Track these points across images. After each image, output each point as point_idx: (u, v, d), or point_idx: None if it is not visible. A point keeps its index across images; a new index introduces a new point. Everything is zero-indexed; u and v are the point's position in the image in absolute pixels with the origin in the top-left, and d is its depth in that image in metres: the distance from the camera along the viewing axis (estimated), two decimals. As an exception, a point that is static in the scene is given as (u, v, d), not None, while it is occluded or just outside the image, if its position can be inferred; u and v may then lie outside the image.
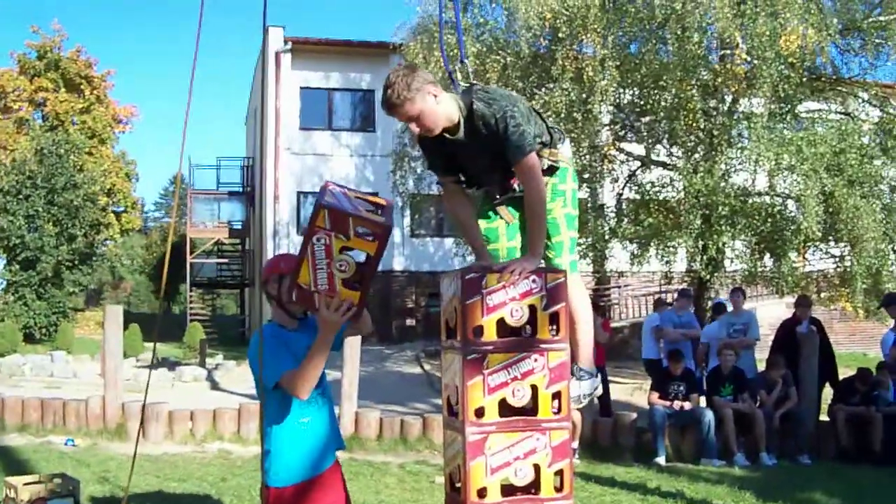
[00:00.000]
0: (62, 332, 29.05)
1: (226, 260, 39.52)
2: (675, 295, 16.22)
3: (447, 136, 4.08)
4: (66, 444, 11.21)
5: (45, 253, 30.22)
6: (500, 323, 3.89)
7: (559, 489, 3.94)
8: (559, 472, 3.95)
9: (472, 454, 3.82)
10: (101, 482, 8.93)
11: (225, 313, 54.10)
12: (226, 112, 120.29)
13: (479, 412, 3.85)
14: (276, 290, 4.37)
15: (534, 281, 3.92)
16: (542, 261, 4.18)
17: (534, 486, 3.92)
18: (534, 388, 3.91)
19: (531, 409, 3.93)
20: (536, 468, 3.91)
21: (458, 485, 3.96)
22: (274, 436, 4.31)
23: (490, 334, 3.86)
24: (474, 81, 4.24)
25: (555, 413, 3.93)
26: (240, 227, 37.65)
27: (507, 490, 3.89)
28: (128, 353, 19.02)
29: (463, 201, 4.40)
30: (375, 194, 4.20)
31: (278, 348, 4.22)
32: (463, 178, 4.37)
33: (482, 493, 3.83)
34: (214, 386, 18.87)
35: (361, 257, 3.84)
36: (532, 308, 3.92)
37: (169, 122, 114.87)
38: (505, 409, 3.90)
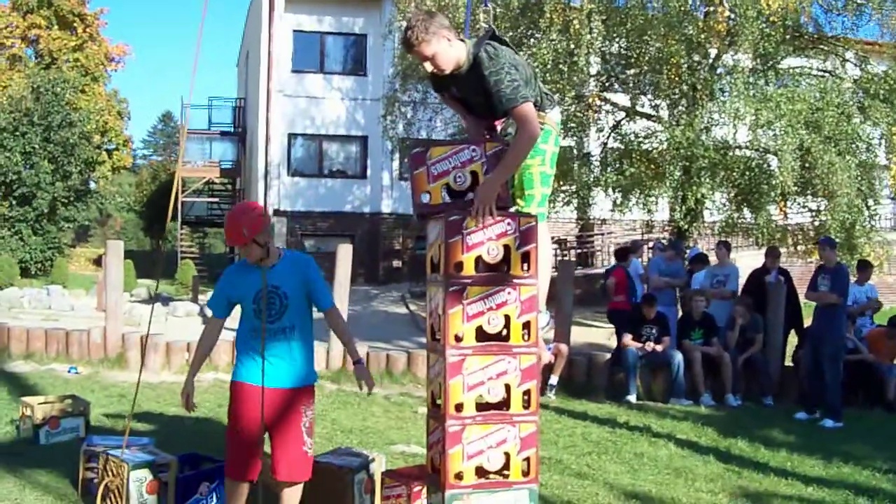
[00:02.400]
0: (57, 267, 29.52)
1: (216, 199, 39.85)
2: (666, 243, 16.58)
3: (453, 71, 4.67)
4: (69, 371, 11.75)
5: (42, 189, 30.52)
6: (479, 260, 4.43)
7: (527, 406, 4.49)
8: (527, 392, 4.49)
9: (451, 374, 4.37)
10: (105, 406, 9.51)
11: (213, 251, 54.52)
12: (218, 53, 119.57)
13: (459, 337, 4.39)
14: (263, 240, 5.23)
15: (508, 224, 4.45)
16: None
17: (504, 404, 4.45)
18: (507, 317, 4.45)
19: (504, 336, 4.47)
20: (507, 388, 4.45)
21: (439, 401, 4.52)
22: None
23: (469, 269, 4.41)
24: (494, 26, 4.84)
25: (524, 340, 4.48)
26: (230, 166, 37.94)
27: (482, 406, 4.43)
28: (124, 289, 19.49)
29: (461, 108, 5.02)
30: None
31: (224, 288, 5.44)
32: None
33: (459, 407, 4.38)
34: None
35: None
36: (506, 248, 4.46)
37: (158, 61, 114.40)
38: (481, 335, 4.45)
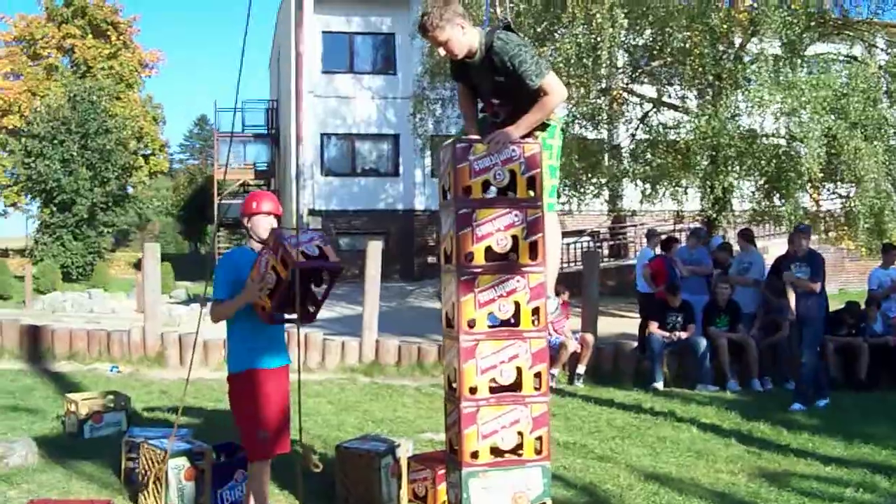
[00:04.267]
0: (98, 271, 30.03)
1: (252, 201, 40.14)
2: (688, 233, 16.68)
3: (466, 59, 4.96)
4: (110, 370, 12.12)
5: (80, 195, 31.00)
6: (488, 250, 4.65)
7: (538, 388, 4.69)
8: (538, 374, 4.69)
9: (465, 358, 4.59)
10: (145, 402, 9.85)
11: (251, 253, 54.87)
12: (251, 55, 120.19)
13: (471, 323, 4.61)
14: (247, 222, 5.60)
15: (516, 215, 4.67)
16: None
17: (517, 385, 4.66)
18: (516, 303, 4.66)
19: (514, 322, 4.70)
20: (518, 370, 4.66)
21: (454, 385, 4.73)
22: (228, 336, 5.55)
23: (479, 259, 4.63)
24: (510, 20, 5.11)
25: (534, 325, 4.69)
26: (265, 168, 38.33)
27: (495, 389, 4.65)
28: (161, 290, 19.84)
29: (470, 100, 5.32)
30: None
31: (226, 274, 5.50)
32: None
33: (473, 390, 4.59)
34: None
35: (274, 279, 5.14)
36: (515, 238, 4.67)
37: (192, 65, 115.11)
38: (493, 320, 4.69)
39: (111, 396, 8.55)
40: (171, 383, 11.27)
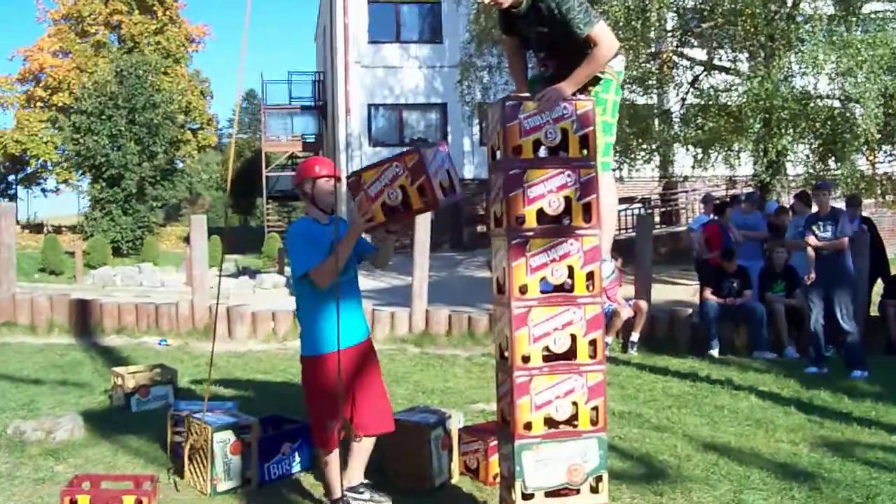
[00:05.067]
0: (147, 246, 30.22)
1: (300, 173, 40.29)
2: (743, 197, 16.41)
3: (512, 9, 4.76)
4: (159, 343, 12.07)
5: (129, 170, 31.19)
6: (540, 212, 4.46)
7: (593, 356, 4.52)
8: (593, 342, 4.52)
9: (517, 325, 4.42)
10: (194, 374, 9.77)
11: (301, 225, 54.99)
12: (296, 28, 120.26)
13: (523, 289, 4.44)
14: (310, 188, 5.23)
15: (568, 176, 4.48)
16: None
17: (571, 353, 4.49)
18: (570, 268, 4.48)
19: (569, 287, 4.51)
20: (573, 338, 4.48)
21: (506, 353, 4.56)
22: (304, 315, 5.23)
23: (531, 222, 4.44)
24: None
25: (589, 290, 4.50)
26: (313, 140, 38.32)
27: (548, 357, 4.48)
28: (210, 264, 19.88)
29: (519, 55, 5.16)
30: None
31: (306, 244, 5.08)
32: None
33: (526, 359, 4.43)
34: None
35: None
36: (567, 199, 4.49)
37: (239, 39, 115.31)
38: (546, 286, 4.51)
39: (158, 370, 8.47)
40: (219, 356, 11.19)
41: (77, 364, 10.43)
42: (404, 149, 4.94)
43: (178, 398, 8.14)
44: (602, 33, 4.63)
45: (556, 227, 4.50)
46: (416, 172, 4.70)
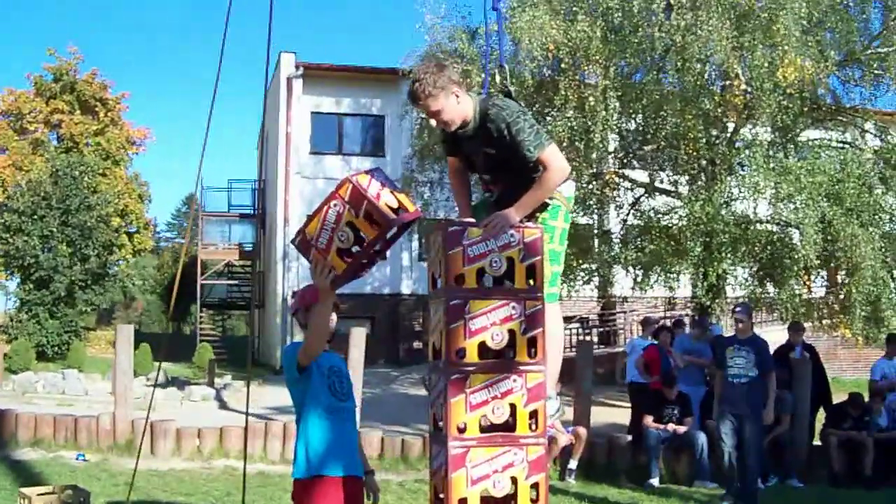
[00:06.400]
0: (74, 351, 29.35)
1: (236, 281, 39.88)
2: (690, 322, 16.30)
3: (459, 130, 4.49)
4: (77, 458, 11.50)
5: (59, 273, 30.48)
6: (482, 346, 4.17)
7: (535, 501, 4.21)
8: (535, 485, 4.21)
9: (454, 466, 4.09)
10: (112, 495, 9.24)
11: (235, 334, 54.39)
12: (238, 134, 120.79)
13: (462, 428, 4.12)
14: (305, 319, 4.86)
15: (513, 308, 4.20)
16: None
17: (512, 498, 4.17)
18: (512, 406, 4.18)
19: (510, 426, 4.20)
20: (514, 480, 4.16)
21: (442, 495, 4.22)
22: (300, 434, 4.82)
23: (472, 356, 4.15)
24: (510, 87, 4.70)
25: (532, 430, 4.20)
26: (251, 248, 37.99)
27: (487, 501, 4.15)
28: (138, 372, 19.26)
29: (462, 176, 4.89)
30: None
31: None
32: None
33: (463, 502, 4.10)
34: (223, 405, 19.09)
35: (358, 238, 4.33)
36: (511, 332, 4.20)
37: (182, 143, 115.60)
38: (486, 425, 4.19)
39: (69, 491, 7.94)
40: (139, 473, 10.63)
41: (-15, 481, 9.86)
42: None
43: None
44: (553, 156, 4.39)
45: (499, 363, 4.21)
46: (356, 201, 4.25)
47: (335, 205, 4.30)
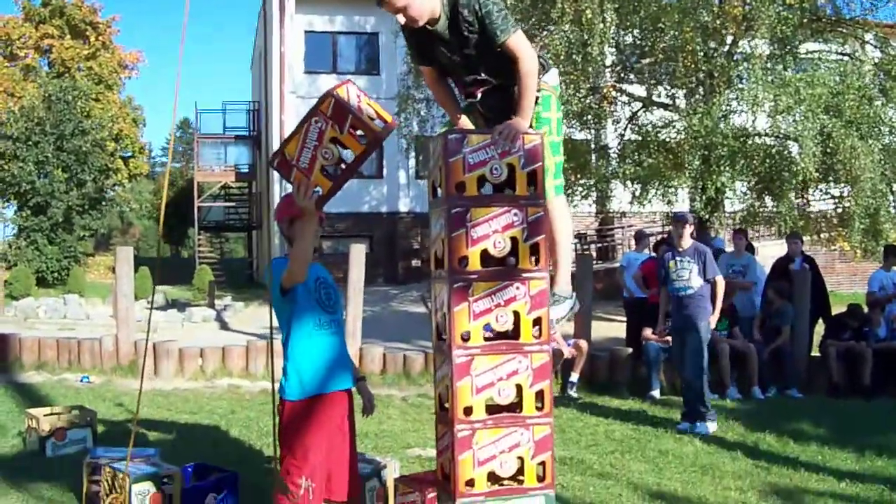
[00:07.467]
0: (74, 276, 29.43)
1: (233, 203, 39.79)
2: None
3: (429, 27, 4.32)
4: (81, 380, 11.58)
5: (56, 198, 30.44)
6: (484, 253, 4.13)
7: (540, 408, 4.22)
8: (540, 393, 4.22)
9: (458, 375, 4.08)
10: (116, 415, 9.32)
11: (233, 256, 54.40)
12: (232, 56, 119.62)
13: (465, 336, 4.10)
14: (289, 232, 4.77)
15: (515, 214, 4.15)
16: None
17: (517, 406, 4.18)
18: (516, 314, 4.15)
19: (514, 334, 4.18)
20: (519, 388, 4.16)
21: (447, 405, 4.22)
22: (289, 355, 4.77)
23: (475, 264, 4.11)
24: None
25: (535, 337, 4.19)
26: (247, 170, 37.85)
27: (492, 409, 4.15)
28: (138, 296, 19.32)
29: (443, 83, 4.72)
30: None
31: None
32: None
33: (468, 411, 4.09)
34: (224, 326, 19.18)
35: (347, 154, 4.21)
36: (514, 240, 4.16)
37: (175, 67, 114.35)
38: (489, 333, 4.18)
39: (76, 411, 8.02)
40: (144, 394, 10.70)
41: (-9, 403, 9.94)
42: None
43: (98, 442, 7.70)
44: (521, 44, 4.22)
45: (502, 270, 4.17)
46: (340, 116, 4.12)
47: (316, 121, 4.16)
